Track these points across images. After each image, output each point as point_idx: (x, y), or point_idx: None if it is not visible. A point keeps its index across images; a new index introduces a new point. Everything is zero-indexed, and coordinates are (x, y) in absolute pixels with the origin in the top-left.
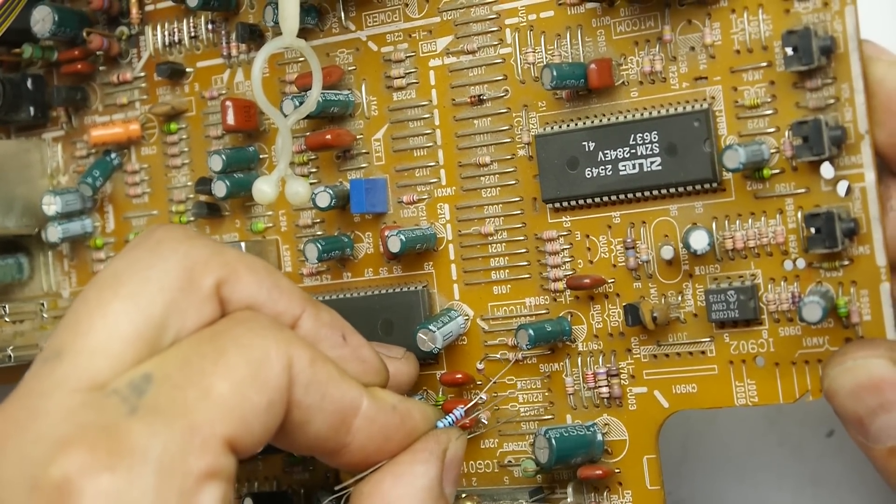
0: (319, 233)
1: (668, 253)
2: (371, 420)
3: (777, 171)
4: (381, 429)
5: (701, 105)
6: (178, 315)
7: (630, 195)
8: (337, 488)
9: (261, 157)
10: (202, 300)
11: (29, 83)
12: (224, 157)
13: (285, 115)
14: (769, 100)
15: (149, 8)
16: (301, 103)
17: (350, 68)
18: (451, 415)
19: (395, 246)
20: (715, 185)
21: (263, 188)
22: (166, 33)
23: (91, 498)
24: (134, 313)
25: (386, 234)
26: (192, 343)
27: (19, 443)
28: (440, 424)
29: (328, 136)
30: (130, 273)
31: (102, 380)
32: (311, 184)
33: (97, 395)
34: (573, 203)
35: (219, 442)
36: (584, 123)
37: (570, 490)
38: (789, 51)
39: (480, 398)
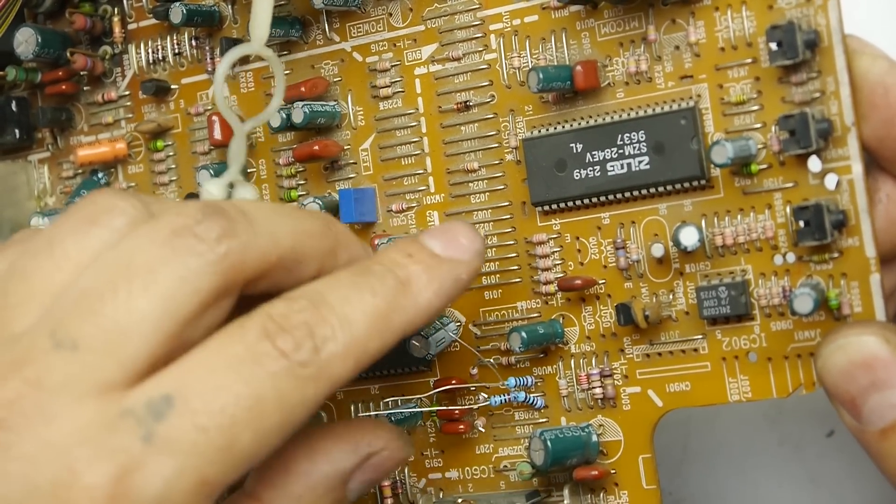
0: None
1: (658, 251)
2: None
3: (764, 166)
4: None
5: (687, 103)
6: (209, 317)
7: (619, 195)
8: None
9: (249, 170)
10: (232, 302)
11: (13, 105)
12: (212, 173)
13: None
14: (755, 95)
15: (132, 26)
16: (287, 115)
17: (336, 79)
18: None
19: None
20: (703, 182)
21: (211, 190)
22: (150, 51)
23: None
24: (161, 313)
25: (376, 242)
26: (217, 365)
27: (25, 442)
28: None
29: (315, 148)
30: (165, 268)
31: (118, 382)
32: (299, 195)
33: (111, 410)
34: (562, 205)
35: (219, 489)
36: (572, 125)
37: (566, 492)
38: (774, 46)
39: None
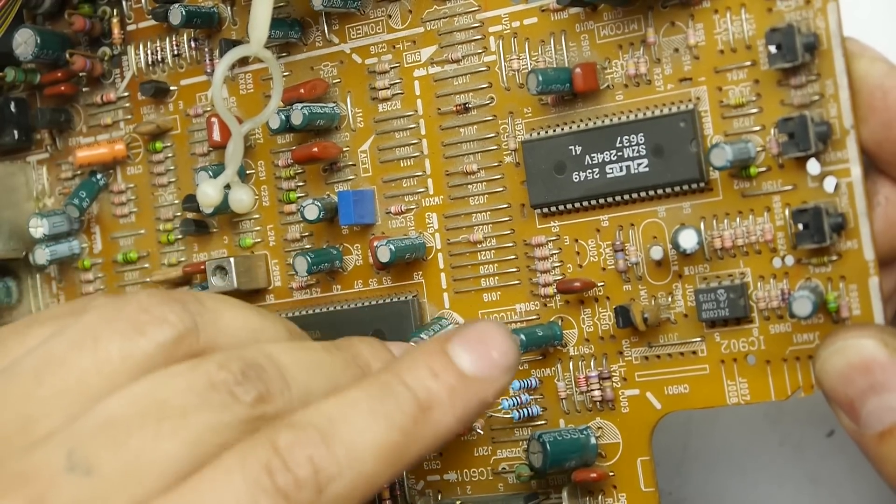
0: (308, 246)
1: (657, 254)
2: None
3: (763, 168)
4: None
5: (686, 106)
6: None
7: (618, 198)
8: None
9: (247, 172)
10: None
11: (12, 106)
12: (211, 174)
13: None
14: (754, 98)
15: (131, 27)
16: (287, 117)
17: (335, 81)
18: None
19: (384, 256)
20: (702, 184)
21: (207, 191)
22: (149, 52)
23: None
24: (185, 457)
25: (375, 244)
26: (212, 500)
27: None
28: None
29: (315, 149)
30: (198, 415)
31: None
32: (298, 197)
33: None
34: (561, 208)
35: None
36: (571, 128)
37: (564, 494)
38: (773, 49)
39: None
